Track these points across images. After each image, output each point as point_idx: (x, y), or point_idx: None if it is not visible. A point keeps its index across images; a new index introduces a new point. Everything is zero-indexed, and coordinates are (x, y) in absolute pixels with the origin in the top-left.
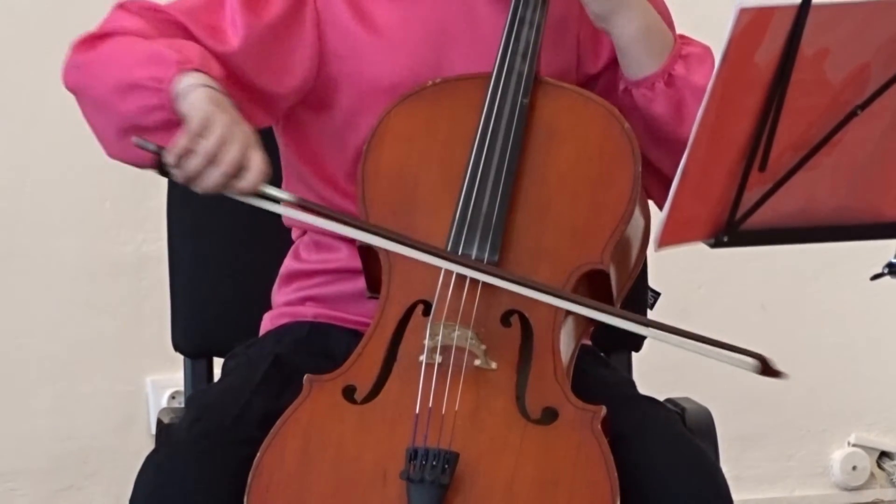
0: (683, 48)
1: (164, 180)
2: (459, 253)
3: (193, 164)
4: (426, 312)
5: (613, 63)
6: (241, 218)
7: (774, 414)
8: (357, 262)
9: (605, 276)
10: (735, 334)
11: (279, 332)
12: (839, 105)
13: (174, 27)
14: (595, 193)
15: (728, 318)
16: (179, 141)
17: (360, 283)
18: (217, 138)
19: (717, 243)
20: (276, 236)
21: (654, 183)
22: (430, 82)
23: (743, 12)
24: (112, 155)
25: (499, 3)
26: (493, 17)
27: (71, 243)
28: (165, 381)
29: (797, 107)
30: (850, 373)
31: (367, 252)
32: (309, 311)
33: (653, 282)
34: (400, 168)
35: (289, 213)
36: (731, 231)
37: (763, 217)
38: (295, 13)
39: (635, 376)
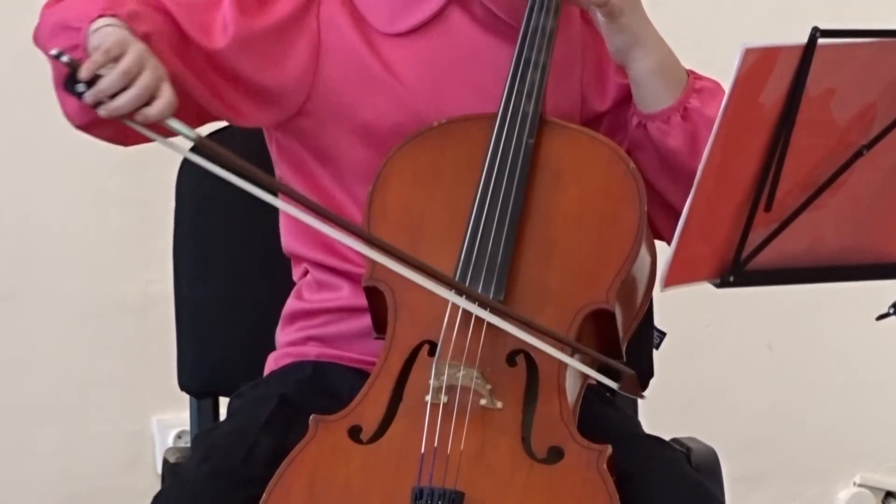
0: (697, 82)
1: (170, 221)
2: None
3: (107, 81)
4: (432, 352)
5: (621, 101)
6: (246, 258)
7: (780, 454)
8: (358, 300)
9: (610, 315)
10: (741, 374)
11: (283, 371)
12: (845, 145)
13: (162, 14)
14: (601, 233)
15: (734, 358)
16: (94, 56)
17: (362, 322)
18: (132, 59)
19: (722, 283)
20: (280, 277)
21: (664, 217)
22: (436, 123)
23: (748, 52)
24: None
25: (504, 43)
26: (498, 58)
27: (77, 283)
28: (171, 420)
29: (803, 147)
30: (856, 412)
31: (372, 292)
32: (312, 351)
33: (659, 322)
34: (405, 208)
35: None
36: (737, 271)
37: (769, 257)
38: (289, 28)
39: (641, 416)
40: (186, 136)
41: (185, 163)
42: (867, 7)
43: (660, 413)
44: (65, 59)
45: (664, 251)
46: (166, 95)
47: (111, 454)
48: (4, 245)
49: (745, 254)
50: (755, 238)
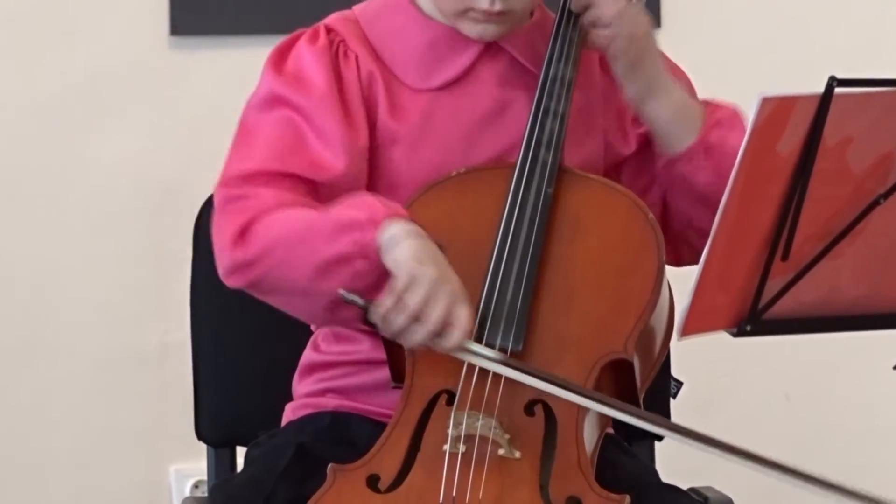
0: (714, 114)
1: (187, 270)
2: (483, 342)
3: (398, 322)
4: (450, 402)
5: (643, 146)
6: (263, 309)
7: (798, 503)
8: (377, 354)
9: (628, 365)
10: (759, 423)
11: (301, 421)
12: (862, 194)
13: (286, 179)
14: (619, 283)
15: (752, 408)
16: (385, 300)
17: (380, 375)
18: (421, 297)
19: (739, 332)
20: (297, 327)
21: (703, 241)
22: (454, 172)
23: (765, 101)
24: (319, 326)
25: (526, 93)
26: (520, 107)
27: (94, 333)
28: (188, 470)
29: (819, 196)
30: (875, 462)
31: (390, 342)
32: (330, 403)
33: (676, 371)
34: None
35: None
36: (754, 320)
37: (786, 306)
38: (367, 114)
39: (658, 465)
40: (487, 358)
41: (203, 212)
42: (883, 57)
43: (677, 461)
44: (359, 301)
45: (681, 300)
46: (461, 323)
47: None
48: (21, 294)
49: (762, 303)
50: (772, 287)
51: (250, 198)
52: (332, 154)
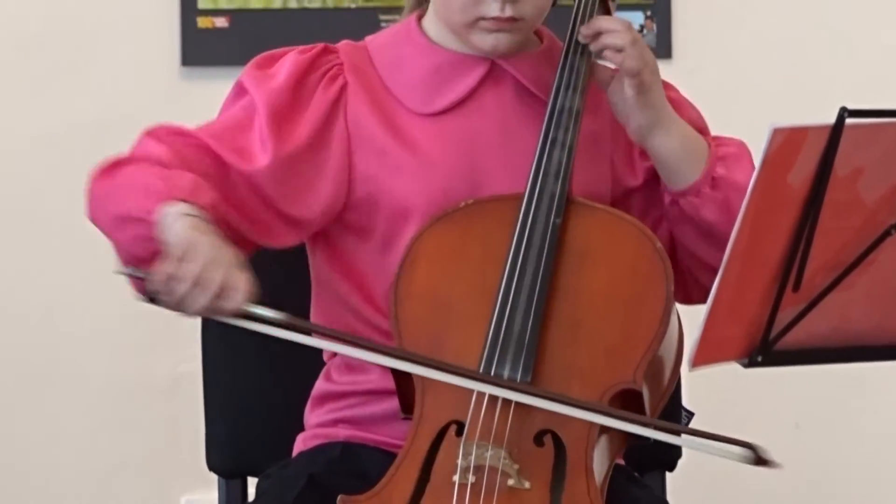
0: (719, 149)
1: None
2: (492, 373)
3: (180, 288)
4: (459, 432)
5: (650, 180)
6: (274, 340)
7: None
8: (388, 384)
9: (638, 395)
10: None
11: (312, 452)
12: (873, 225)
13: (199, 150)
14: (628, 313)
15: (762, 438)
16: (163, 267)
17: (391, 404)
18: (200, 262)
19: (751, 363)
20: (309, 358)
21: (711, 278)
22: (463, 203)
23: (777, 132)
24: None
25: (532, 122)
26: (526, 136)
27: (105, 363)
28: (200, 500)
29: (831, 227)
30: (885, 492)
31: (399, 374)
32: (341, 433)
33: (687, 401)
34: (433, 289)
35: (292, 338)
36: (765, 351)
37: (797, 337)
38: (322, 137)
39: (669, 496)
40: (271, 321)
41: None
42: (894, 88)
43: (688, 492)
44: (136, 273)
45: (691, 331)
46: (241, 285)
47: None
48: (33, 325)
49: (773, 333)
50: (783, 318)
51: (153, 146)
52: (260, 150)
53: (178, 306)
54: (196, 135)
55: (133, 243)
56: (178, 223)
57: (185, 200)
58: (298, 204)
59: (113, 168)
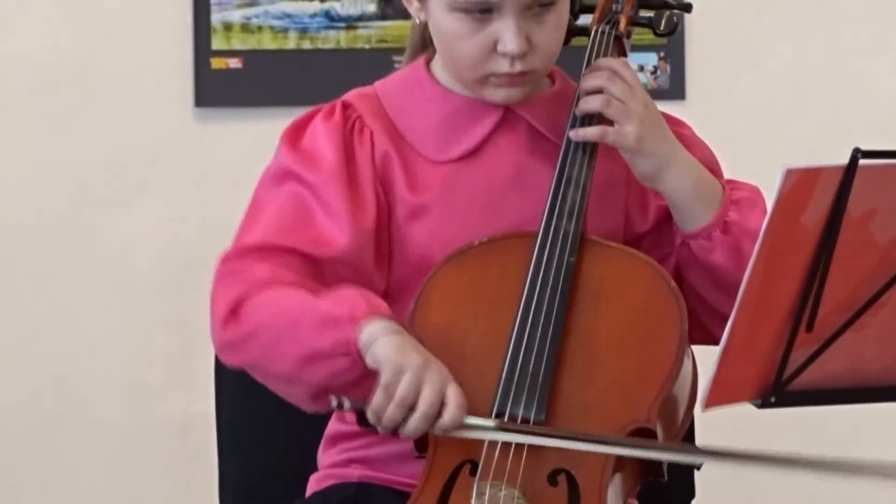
0: (733, 193)
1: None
2: (507, 411)
3: (391, 415)
4: (473, 472)
5: (662, 221)
6: None
7: None
8: None
9: (652, 434)
10: (783, 493)
11: (325, 493)
12: (886, 265)
13: (287, 256)
14: (642, 352)
15: (776, 478)
16: (376, 398)
17: (405, 444)
18: (409, 384)
19: (764, 404)
20: None
21: (717, 323)
22: (477, 241)
23: (790, 173)
24: (310, 412)
25: (546, 164)
26: (540, 178)
27: (119, 404)
28: None
29: (844, 267)
30: None
31: None
32: (354, 473)
33: (700, 441)
34: (447, 328)
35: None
36: (779, 392)
37: (810, 377)
38: (378, 191)
39: None
40: (486, 429)
41: None
42: None
43: None
44: (348, 405)
45: (705, 371)
46: (453, 401)
47: None
48: (47, 366)
49: (786, 374)
50: (796, 358)
51: (244, 273)
52: (336, 229)
53: (390, 430)
54: (263, 243)
55: (331, 378)
56: (377, 345)
57: (369, 316)
58: (378, 268)
59: (236, 310)
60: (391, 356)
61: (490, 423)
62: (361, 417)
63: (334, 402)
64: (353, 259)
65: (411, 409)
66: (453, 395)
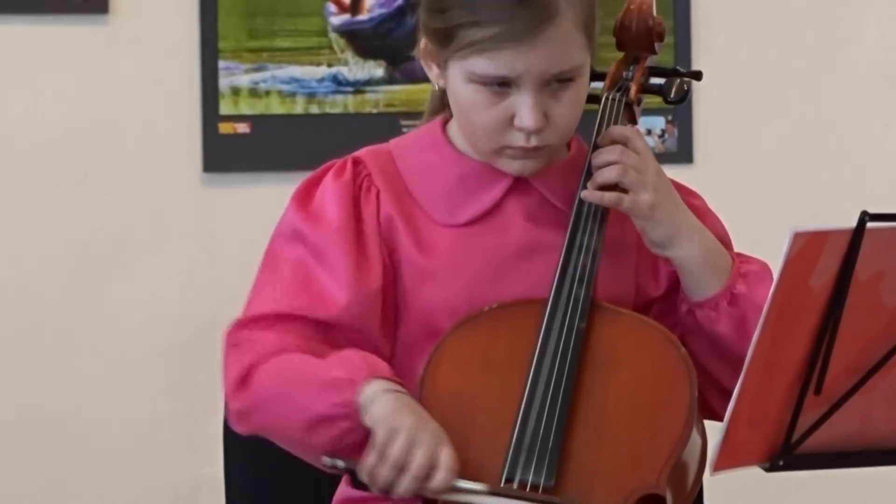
0: (742, 266)
1: (220, 404)
2: (516, 477)
3: (383, 475)
4: None
5: (673, 287)
6: None
7: None
8: None
9: (661, 500)
10: None
11: None
12: (895, 327)
13: (291, 321)
14: (652, 418)
15: None
16: (368, 459)
17: None
18: (401, 446)
19: (772, 467)
20: None
21: (718, 399)
22: (487, 307)
23: (797, 236)
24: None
25: (556, 231)
26: (550, 246)
27: (128, 468)
28: None
29: (852, 330)
30: None
31: None
32: None
33: None
34: (456, 393)
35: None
36: (787, 455)
37: (819, 440)
38: (383, 250)
39: None
40: (477, 492)
41: None
42: None
43: None
44: (341, 465)
45: (713, 435)
46: (444, 463)
47: None
48: (56, 429)
49: (794, 437)
50: (805, 421)
51: (252, 342)
52: (336, 288)
53: (384, 490)
54: (269, 312)
55: (334, 442)
56: (373, 406)
57: (368, 378)
58: (380, 327)
59: (245, 380)
60: (385, 417)
61: (481, 486)
62: (354, 477)
63: (328, 462)
64: (355, 318)
65: (401, 470)
66: (445, 458)
